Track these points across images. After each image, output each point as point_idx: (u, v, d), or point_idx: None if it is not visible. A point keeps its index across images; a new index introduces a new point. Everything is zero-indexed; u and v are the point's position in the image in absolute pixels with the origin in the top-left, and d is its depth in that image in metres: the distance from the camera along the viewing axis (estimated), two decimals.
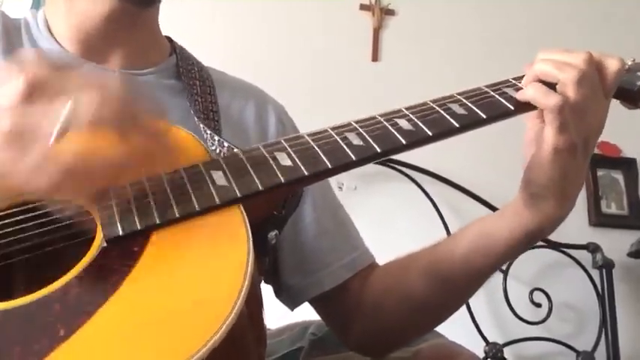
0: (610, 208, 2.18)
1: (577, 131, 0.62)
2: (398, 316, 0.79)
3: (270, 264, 0.80)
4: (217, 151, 0.73)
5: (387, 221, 1.90)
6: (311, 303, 0.86)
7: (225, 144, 0.73)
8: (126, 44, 0.81)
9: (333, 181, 0.80)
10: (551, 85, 0.63)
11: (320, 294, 0.83)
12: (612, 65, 0.64)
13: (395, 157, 1.89)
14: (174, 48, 0.88)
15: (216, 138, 0.74)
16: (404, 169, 1.97)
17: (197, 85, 0.83)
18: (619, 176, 2.21)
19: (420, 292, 0.77)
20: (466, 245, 0.72)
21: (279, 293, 0.87)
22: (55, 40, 0.80)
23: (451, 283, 0.75)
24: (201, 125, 0.77)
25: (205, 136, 0.76)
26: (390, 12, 2.28)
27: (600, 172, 2.19)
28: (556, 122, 0.61)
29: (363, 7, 2.26)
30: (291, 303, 0.86)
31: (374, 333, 0.82)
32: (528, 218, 0.67)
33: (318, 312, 0.87)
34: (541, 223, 0.67)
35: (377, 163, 1.82)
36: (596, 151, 2.18)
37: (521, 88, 0.65)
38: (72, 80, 0.48)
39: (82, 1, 0.77)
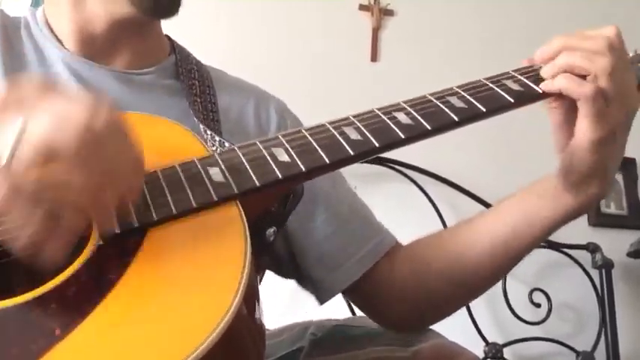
0: (609, 208, 2.17)
1: (616, 116, 0.62)
2: (430, 298, 0.81)
3: (289, 261, 0.84)
4: (218, 151, 0.73)
5: (387, 221, 1.88)
6: (344, 293, 0.87)
7: (226, 144, 0.73)
8: (129, 47, 0.81)
9: None
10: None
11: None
12: (611, 33, 0.64)
13: (394, 157, 1.89)
14: (173, 47, 0.88)
15: (217, 138, 0.74)
16: (403, 169, 1.96)
17: (196, 85, 0.83)
18: (618, 176, 2.20)
19: (454, 278, 0.78)
20: (505, 230, 0.74)
21: (305, 286, 0.88)
22: (56, 38, 0.80)
23: (484, 267, 0.76)
24: (201, 126, 0.77)
25: (205, 136, 0.75)
26: (389, 12, 2.28)
27: None
28: (592, 111, 0.61)
29: (362, 7, 2.26)
30: (320, 298, 0.86)
31: (407, 311, 0.83)
32: (570, 201, 0.69)
33: (352, 300, 0.89)
34: (583, 203, 0.69)
35: (376, 163, 1.83)
36: None
37: (522, 80, 0.65)
38: (32, 101, 0.46)
39: (91, 4, 0.76)
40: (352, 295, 0.87)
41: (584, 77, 0.62)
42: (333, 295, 0.85)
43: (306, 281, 0.87)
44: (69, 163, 0.45)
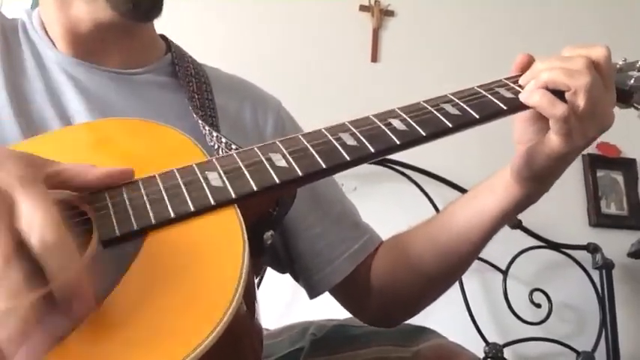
0: (610, 208, 2.17)
1: (589, 133, 0.65)
2: (405, 289, 0.85)
3: (284, 255, 0.87)
4: (215, 147, 0.73)
5: (387, 222, 1.88)
6: (330, 290, 0.89)
7: (224, 140, 0.73)
8: (121, 47, 0.81)
9: None
10: (558, 92, 0.64)
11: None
12: (600, 53, 0.65)
13: (394, 157, 1.89)
14: (169, 46, 0.88)
15: (215, 134, 0.74)
16: (403, 169, 1.97)
17: (193, 83, 0.84)
18: (619, 176, 2.21)
19: (424, 266, 0.82)
20: (461, 224, 0.78)
21: (297, 280, 0.91)
22: (51, 40, 0.80)
23: (451, 256, 0.80)
24: (200, 121, 0.77)
25: (204, 132, 0.76)
26: (389, 13, 2.28)
27: (600, 173, 2.19)
28: (562, 130, 0.64)
29: (362, 7, 2.26)
30: (312, 293, 0.89)
31: (386, 306, 0.87)
32: (519, 192, 0.72)
33: (335, 296, 0.91)
34: (530, 196, 0.72)
35: (376, 163, 1.83)
36: (596, 151, 2.18)
37: (514, 89, 0.66)
38: None
39: (75, 8, 0.77)
40: (338, 291, 0.89)
41: (563, 93, 0.64)
42: (324, 290, 0.88)
43: (298, 276, 0.89)
44: None
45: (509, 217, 0.76)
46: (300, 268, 0.88)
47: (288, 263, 0.89)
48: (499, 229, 0.77)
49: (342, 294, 0.90)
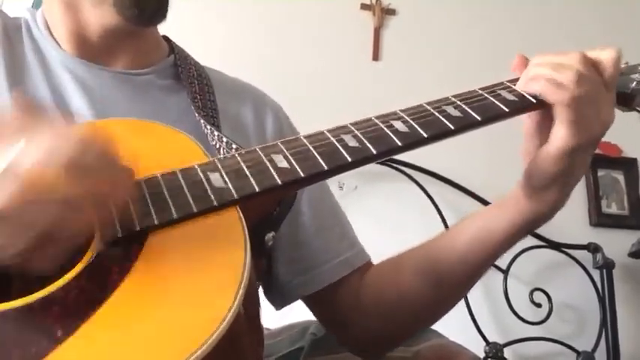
0: (610, 208, 2.18)
1: (592, 127, 0.63)
2: (394, 315, 0.80)
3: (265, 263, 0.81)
4: (217, 146, 0.74)
5: (388, 221, 1.90)
6: (308, 303, 0.86)
7: (225, 139, 0.73)
8: (125, 50, 0.82)
9: (333, 180, 0.81)
10: None
11: (317, 292, 0.83)
12: (607, 56, 0.65)
13: (396, 157, 1.89)
14: (171, 48, 0.88)
15: (216, 133, 0.75)
16: (405, 168, 1.97)
17: (195, 84, 0.84)
18: (619, 176, 2.21)
19: (416, 291, 0.78)
20: (465, 242, 0.73)
21: (268, 290, 0.86)
22: (55, 40, 0.80)
23: (449, 280, 0.76)
24: (202, 121, 0.78)
25: (206, 131, 0.76)
26: (390, 11, 2.28)
27: (601, 172, 2.19)
28: (570, 117, 0.62)
29: (363, 6, 2.27)
30: (282, 301, 0.85)
31: (373, 332, 0.82)
32: (529, 208, 0.68)
33: (316, 313, 0.87)
34: (541, 212, 0.68)
35: (378, 162, 1.83)
36: (597, 151, 2.18)
37: (516, 91, 0.66)
38: (31, 124, 0.47)
39: (82, 12, 0.77)
40: (317, 305, 0.86)
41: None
42: (295, 298, 0.84)
43: (271, 282, 0.85)
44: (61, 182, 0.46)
45: (519, 234, 0.71)
46: (281, 270, 0.84)
47: (266, 268, 0.84)
48: (505, 250, 0.73)
49: (320, 310, 0.86)
